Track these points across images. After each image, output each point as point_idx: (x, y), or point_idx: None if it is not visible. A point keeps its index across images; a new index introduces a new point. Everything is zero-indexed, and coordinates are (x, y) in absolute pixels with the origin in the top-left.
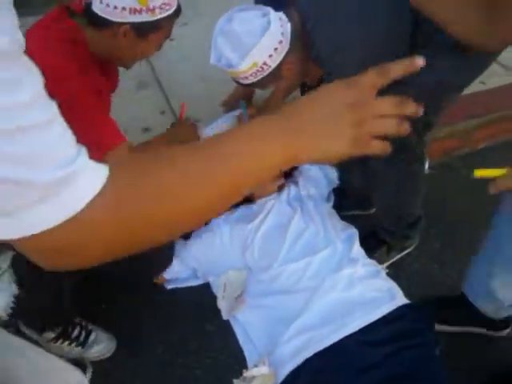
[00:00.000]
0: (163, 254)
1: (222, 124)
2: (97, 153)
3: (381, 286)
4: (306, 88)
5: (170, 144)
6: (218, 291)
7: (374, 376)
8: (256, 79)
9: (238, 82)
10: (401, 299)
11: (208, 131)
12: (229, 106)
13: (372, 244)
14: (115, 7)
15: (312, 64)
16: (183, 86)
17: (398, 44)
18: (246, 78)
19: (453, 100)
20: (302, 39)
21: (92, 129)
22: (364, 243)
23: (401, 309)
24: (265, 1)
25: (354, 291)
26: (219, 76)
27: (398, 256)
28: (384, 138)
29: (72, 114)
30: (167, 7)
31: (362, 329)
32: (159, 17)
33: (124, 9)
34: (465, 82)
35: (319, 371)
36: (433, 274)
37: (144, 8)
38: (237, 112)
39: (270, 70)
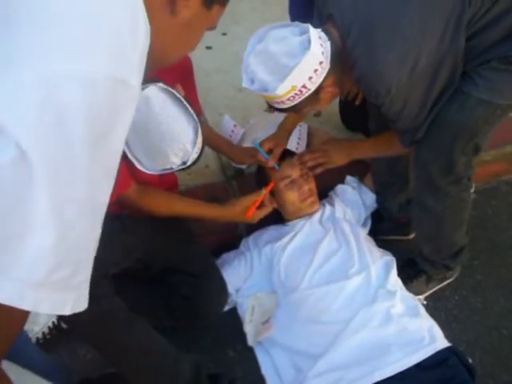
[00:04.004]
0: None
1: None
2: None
3: (420, 325)
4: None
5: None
6: (245, 314)
7: None
8: (293, 104)
9: (271, 106)
10: (441, 342)
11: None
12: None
13: (410, 273)
14: None
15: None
16: (219, 96)
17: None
18: (283, 102)
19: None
20: (341, 58)
21: None
22: (402, 272)
23: (441, 353)
24: (299, 14)
25: (391, 329)
26: None
27: (438, 287)
28: (433, 158)
29: None
30: None
31: (398, 374)
32: None
33: None
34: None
35: None
36: (474, 308)
37: None
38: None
39: (309, 93)
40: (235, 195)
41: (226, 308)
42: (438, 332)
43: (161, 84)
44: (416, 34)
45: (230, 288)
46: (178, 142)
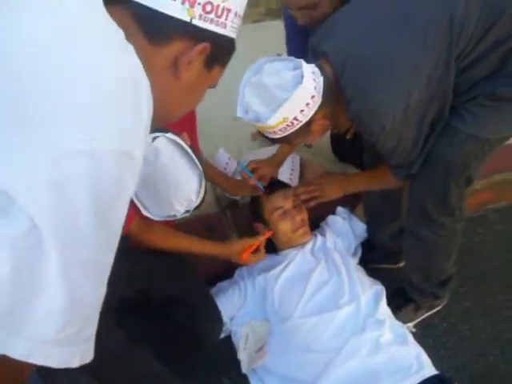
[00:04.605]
0: None
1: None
2: None
3: (408, 353)
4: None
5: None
6: (239, 342)
7: None
8: (284, 134)
9: (264, 136)
10: (429, 369)
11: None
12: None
13: (400, 302)
14: None
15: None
16: (214, 128)
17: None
18: (274, 132)
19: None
20: (334, 94)
21: None
22: (391, 301)
23: (429, 380)
24: (296, 48)
25: (380, 358)
26: None
27: (426, 315)
28: (427, 192)
29: None
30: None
31: None
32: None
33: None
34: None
35: None
36: (462, 335)
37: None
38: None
39: (301, 125)
40: (230, 225)
41: (222, 336)
42: (426, 359)
43: (169, 134)
44: (407, 74)
45: (225, 316)
46: (184, 192)
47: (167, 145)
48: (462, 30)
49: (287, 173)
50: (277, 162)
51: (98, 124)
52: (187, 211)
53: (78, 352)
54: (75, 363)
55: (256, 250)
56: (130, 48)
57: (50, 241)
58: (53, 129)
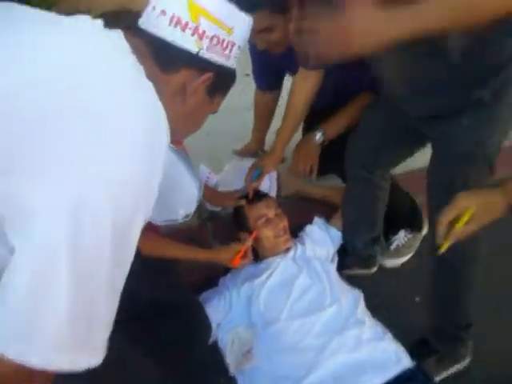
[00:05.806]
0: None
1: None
2: None
3: (387, 348)
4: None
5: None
6: (226, 347)
7: None
8: None
9: None
10: (407, 362)
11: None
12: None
13: (424, 352)
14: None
15: None
16: (187, 139)
17: None
18: None
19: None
20: None
21: None
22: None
23: (408, 372)
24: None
25: (362, 352)
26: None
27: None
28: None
29: None
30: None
31: None
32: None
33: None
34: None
35: None
36: None
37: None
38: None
39: None
40: (211, 236)
41: (210, 341)
42: (404, 353)
43: (170, 144)
44: None
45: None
46: (186, 195)
47: (169, 153)
48: None
49: (266, 185)
50: (274, 155)
51: (119, 157)
52: (187, 216)
53: (87, 357)
54: (82, 367)
55: (244, 255)
56: (150, 86)
57: (65, 262)
58: (83, 162)
